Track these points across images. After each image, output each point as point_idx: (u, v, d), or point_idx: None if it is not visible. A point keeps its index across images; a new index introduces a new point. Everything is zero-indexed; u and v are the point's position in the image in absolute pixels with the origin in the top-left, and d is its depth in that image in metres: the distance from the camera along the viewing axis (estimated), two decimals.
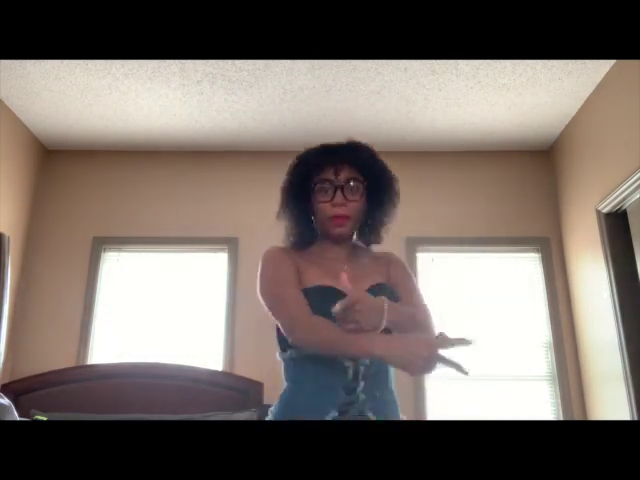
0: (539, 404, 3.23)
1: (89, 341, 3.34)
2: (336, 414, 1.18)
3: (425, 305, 1.36)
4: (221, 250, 3.55)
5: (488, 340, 3.31)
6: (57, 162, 3.73)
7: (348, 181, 1.30)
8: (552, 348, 3.29)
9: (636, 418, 2.60)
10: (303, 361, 1.24)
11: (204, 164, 3.72)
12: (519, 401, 3.22)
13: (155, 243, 3.57)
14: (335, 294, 1.19)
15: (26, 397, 2.97)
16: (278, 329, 1.28)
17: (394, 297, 1.28)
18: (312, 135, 3.51)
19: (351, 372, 1.21)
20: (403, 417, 1.33)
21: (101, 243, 3.55)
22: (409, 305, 1.32)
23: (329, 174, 1.31)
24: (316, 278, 1.28)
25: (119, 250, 3.59)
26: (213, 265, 3.53)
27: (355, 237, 1.42)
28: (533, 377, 3.27)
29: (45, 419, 2.66)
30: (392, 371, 1.29)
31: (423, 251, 3.53)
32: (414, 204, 3.59)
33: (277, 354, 1.33)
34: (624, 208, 2.83)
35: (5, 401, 2.17)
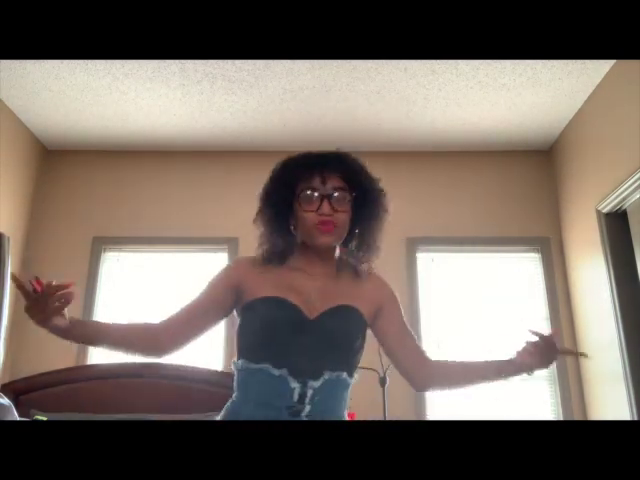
0: (539, 404, 3.23)
1: None
2: None
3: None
4: (221, 250, 3.55)
5: (488, 340, 3.31)
6: (57, 162, 3.72)
7: (335, 190, 1.23)
8: None
9: (636, 418, 2.60)
10: (248, 374, 1.20)
11: (204, 164, 3.72)
12: (519, 401, 3.22)
13: (155, 243, 3.57)
14: (284, 305, 1.19)
15: (26, 397, 2.96)
16: (237, 333, 1.26)
17: (360, 320, 1.26)
18: (312, 135, 3.51)
19: (297, 394, 1.15)
20: None
21: (101, 243, 3.55)
22: (403, 332, 1.33)
23: (315, 182, 1.23)
24: (270, 290, 1.22)
25: (119, 250, 3.59)
26: (213, 265, 3.52)
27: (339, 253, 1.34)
28: (533, 377, 3.26)
29: (45, 419, 2.66)
30: (346, 397, 1.24)
31: (423, 251, 3.53)
32: (414, 204, 3.59)
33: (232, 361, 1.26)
34: (624, 208, 2.83)
35: (5, 401, 2.17)
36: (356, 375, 1.26)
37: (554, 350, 1.25)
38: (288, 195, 1.25)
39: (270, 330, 1.19)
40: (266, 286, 1.23)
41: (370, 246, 1.30)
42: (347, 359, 1.23)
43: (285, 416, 1.14)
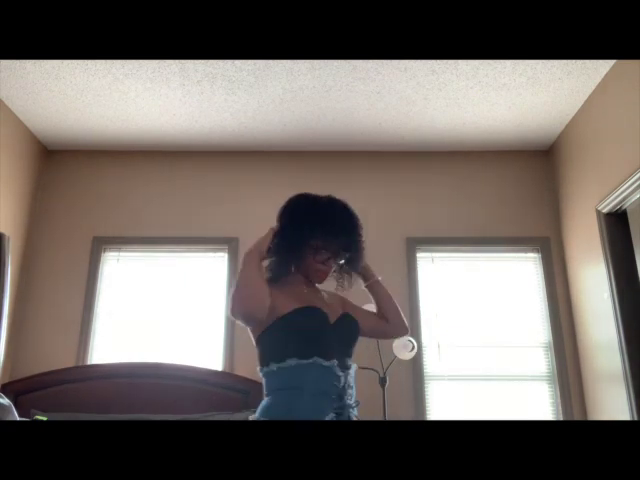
0: (539, 404, 3.23)
1: (89, 341, 3.33)
2: (333, 416, 1.35)
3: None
4: (221, 250, 3.55)
5: (488, 340, 3.31)
6: (57, 162, 3.72)
7: (340, 254, 1.54)
8: (552, 348, 3.29)
9: (636, 418, 2.60)
10: (303, 369, 1.38)
11: (204, 164, 3.72)
12: (519, 401, 3.22)
13: (155, 243, 3.57)
14: (319, 311, 1.46)
15: (26, 397, 2.96)
16: (265, 342, 1.45)
17: (356, 324, 1.56)
18: (312, 135, 3.51)
19: (342, 380, 1.39)
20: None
21: (101, 243, 3.55)
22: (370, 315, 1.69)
23: (332, 245, 1.51)
24: (293, 304, 1.46)
25: (119, 250, 3.59)
26: (213, 265, 3.52)
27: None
28: (533, 377, 3.27)
29: (45, 419, 2.66)
30: None
31: (423, 251, 3.53)
32: (414, 204, 3.59)
33: (262, 368, 1.45)
34: (624, 208, 2.83)
35: (5, 401, 2.17)
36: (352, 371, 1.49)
37: None
38: (305, 238, 1.49)
39: (317, 332, 1.44)
40: (292, 300, 1.46)
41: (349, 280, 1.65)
42: (352, 353, 1.52)
43: (336, 400, 1.37)
